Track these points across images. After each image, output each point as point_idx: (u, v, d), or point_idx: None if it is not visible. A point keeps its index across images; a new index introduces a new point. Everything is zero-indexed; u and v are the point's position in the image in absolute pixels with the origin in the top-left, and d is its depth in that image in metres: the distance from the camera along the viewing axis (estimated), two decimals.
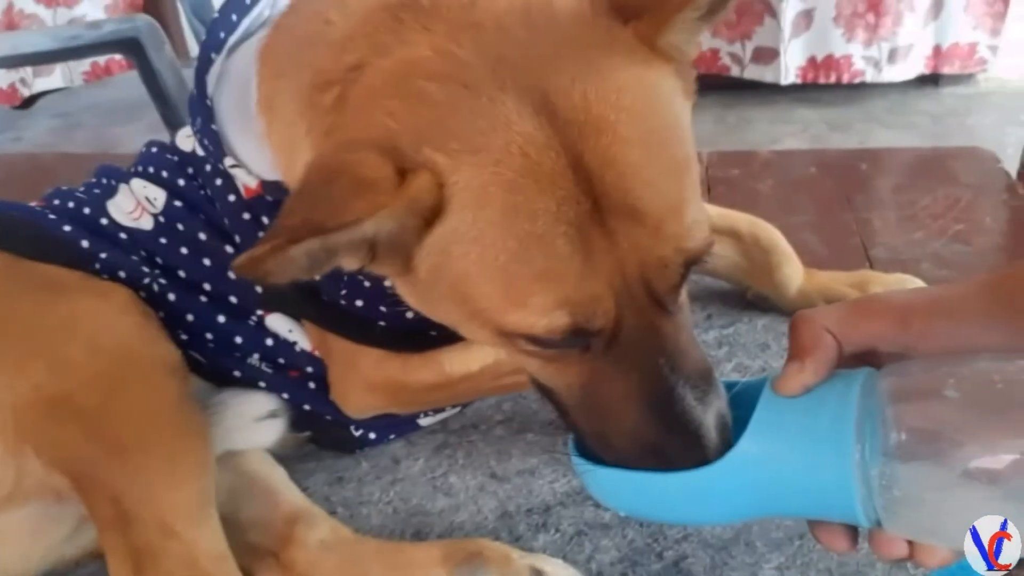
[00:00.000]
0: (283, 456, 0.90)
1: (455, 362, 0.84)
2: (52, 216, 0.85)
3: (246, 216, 0.81)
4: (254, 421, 0.84)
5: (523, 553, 0.78)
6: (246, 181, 0.79)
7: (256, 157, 0.77)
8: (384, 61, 0.60)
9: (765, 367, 0.99)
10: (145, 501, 0.70)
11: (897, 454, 0.49)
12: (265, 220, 0.80)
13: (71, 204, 0.87)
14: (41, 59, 2.51)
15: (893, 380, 0.53)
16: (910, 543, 0.53)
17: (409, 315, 0.75)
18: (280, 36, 0.76)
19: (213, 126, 0.80)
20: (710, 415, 0.57)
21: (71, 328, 0.75)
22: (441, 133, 0.54)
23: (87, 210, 0.86)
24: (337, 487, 0.91)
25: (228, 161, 0.79)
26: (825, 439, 0.52)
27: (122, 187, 0.88)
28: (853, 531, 0.56)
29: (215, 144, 0.80)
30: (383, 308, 0.80)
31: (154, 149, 0.90)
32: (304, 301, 0.82)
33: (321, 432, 0.92)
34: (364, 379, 0.85)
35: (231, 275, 0.82)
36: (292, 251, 0.51)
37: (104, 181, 0.90)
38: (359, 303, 0.80)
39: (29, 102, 3.40)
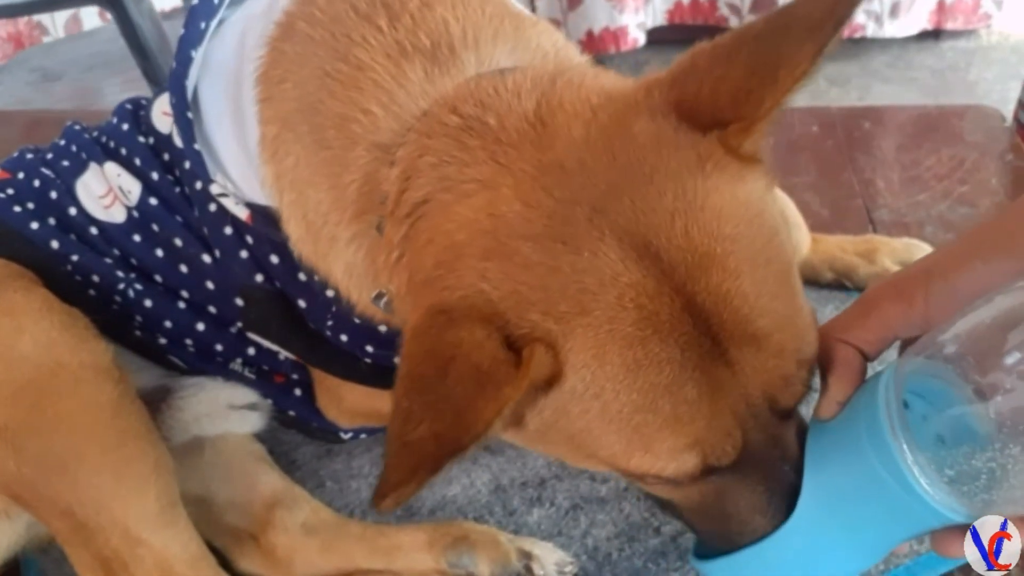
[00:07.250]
0: (269, 428, 0.87)
1: None
2: (17, 208, 0.78)
3: (228, 231, 0.75)
4: (228, 409, 0.80)
5: (511, 536, 0.76)
6: (235, 212, 0.74)
7: (248, 177, 0.72)
8: (460, 207, 0.56)
9: None
10: (100, 512, 0.66)
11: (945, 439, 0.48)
12: (249, 239, 0.75)
13: (36, 182, 0.80)
14: (17, 10, 2.44)
15: (907, 366, 0.51)
16: None
17: (397, 360, 0.72)
18: (281, 67, 0.69)
19: (196, 145, 0.73)
20: None
21: None
22: (545, 297, 0.51)
23: (54, 194, 0.80)
24: (326, 460, 0.89)
25: (215, 189, 0.74)
26: (876, 462, 0.51)
27: (93, 166, 0.81)
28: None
29: (200, 166, 0.74)
30: (370, 348, 0.76)
31: (125, 126, 0.82)
32: (288, 330, 0.77)
33: (309, 431, 0.89)
34: (351, 408, 0.82)
35: (210, 285, 0.78)
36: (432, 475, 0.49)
37: (73, 150, 0.83)
38: (344, 337, 0.76)
39: None
